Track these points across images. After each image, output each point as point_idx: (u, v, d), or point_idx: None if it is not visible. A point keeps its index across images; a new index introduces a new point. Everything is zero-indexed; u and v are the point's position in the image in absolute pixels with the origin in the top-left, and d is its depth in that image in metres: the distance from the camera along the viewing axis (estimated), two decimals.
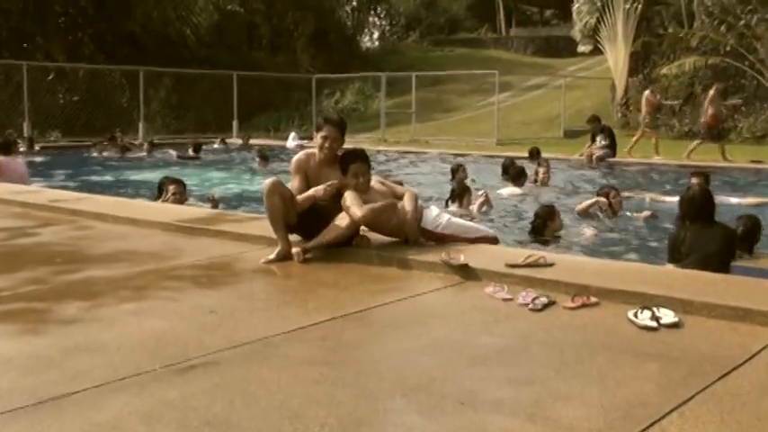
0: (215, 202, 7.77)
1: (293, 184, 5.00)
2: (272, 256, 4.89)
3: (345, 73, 26.07)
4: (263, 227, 5.16)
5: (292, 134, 19.72)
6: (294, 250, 4.86)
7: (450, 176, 11.06)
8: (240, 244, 5.46)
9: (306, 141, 19.60)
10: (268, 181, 4.94)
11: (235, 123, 22.38)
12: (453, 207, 7.92)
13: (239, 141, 19.79)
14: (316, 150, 5.08)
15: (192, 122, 23.97)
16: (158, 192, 7.81)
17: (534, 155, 13.20)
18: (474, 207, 8.11)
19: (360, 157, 4.99)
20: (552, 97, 23.63)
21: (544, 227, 6.70)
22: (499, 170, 11.26)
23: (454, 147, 18.71)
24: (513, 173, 9.86)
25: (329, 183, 4.88)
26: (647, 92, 16.01)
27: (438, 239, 5.03)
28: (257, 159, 13.74)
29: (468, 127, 22.26)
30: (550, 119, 22.29)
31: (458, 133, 21.43)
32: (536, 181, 10.61)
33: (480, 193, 8.44)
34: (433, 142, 20.68)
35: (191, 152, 15.83)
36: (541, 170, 10.70)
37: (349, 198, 4.86)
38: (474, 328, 3.56)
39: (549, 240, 6.58)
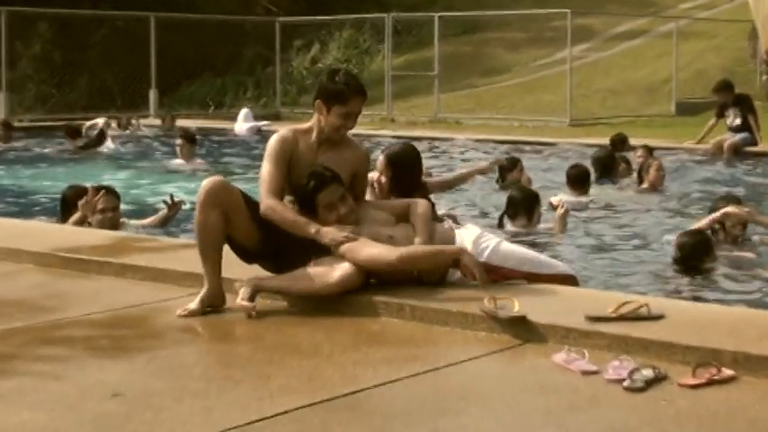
0: (174, 206, 7.83)
1: (268, 175, 5.02)
2: (192, 306, 4.90)
3: (328, 15, 26.22)
4: (198, 258, 5.16)
5: (244, 111, 19.80)
6: (240, 295, 4.87)
7: (496, 178, 11.09)
8: (161, 286, 5.47)
9: (266, 123, 19.67)
10: (207, 182, 4.97)
11: (152, 95, 22.49)
12: (515, 226, 7.89)
13: (158, 122, 19.89)
14: (313, 127, 5.14)
15: (85, 93, 24.06)
16: (63, 208, 7.84)
17: (618, 145, 13.25)
18: (554, 225, 8.06)
19: (325, 180, 5.00)
20: (657, 51, 23.69)
21: (699, 261, 6.67)
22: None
23: (501, 130, 18.77)
24: (574, 174, 9.94)
25: (347, 234, 4.86)
26: None
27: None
28: (179, 142, 13.76)
29: (523, 99, 22.32)
30: (655, 85, 22.33)
31: (507, 109, 21.48)
32: (640, 182, 10.64)
33: (556, 200, 8.43)
34: (467, 123, 20.73)
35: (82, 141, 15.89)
36: (654, 165, 10.75)
37: (358, 243, 4.84)
38: (536, 420, 3.54)
39: (706, 278, 6.53)
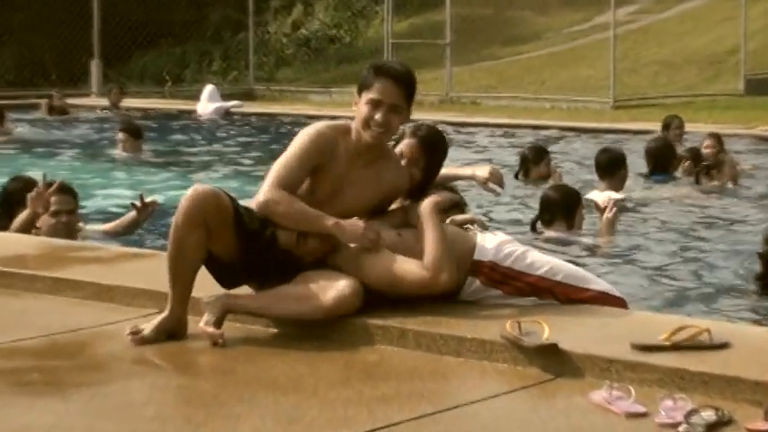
0: (145, 209, 7.80)
1: (286, 167, 4.97)
2: (146, 331, 4.86)
3: None
4: (154, 271, 5.15)
5: (209, 89, 19.81)
6: (205, 318, 4.85)
7: (515, 172, 11.13)
8: (106, 306, 5.46)
9: (237, 104, 19.67)
10: (194, 193, 4.86)
11: (95, 67, 22.49)
12: (551, 231, 7.92)
13: (103, 102, 19.87)
14: (351, 127, 5.12)
15: (12, 67, 24.04)
16: (6, 206, 7.74)
17: (670, 128, 13.28)
18: (601, 230, 8.06)
19: None
20: (722, 14, 23.67)
21: None
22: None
23: (529, 113, 18.76)
24: (605, 160, 9.97)
25: (373, 233, 4.91)
26: None
27: (502, 282, 5.08)
28: (120, 136, 13.81)
29: (556, 74, 22.32)
30: (719, 57, 22.31)
31: (536, 86, 21.47)
32: (701, 175, 10.67)
33: (602, 199, 8.44)
34: (486, 104, 20.72)
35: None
36: (726, 161, 10.76)
37: (378, 256, 4.91)
38: None
39: None
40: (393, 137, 5.44)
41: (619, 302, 5.26)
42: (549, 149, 11.71)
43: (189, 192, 4.90)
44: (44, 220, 7.32)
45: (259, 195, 4.97)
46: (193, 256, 4.89)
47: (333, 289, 4.83)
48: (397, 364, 4.60)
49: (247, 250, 4.97)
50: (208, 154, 14.97)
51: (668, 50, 22.98)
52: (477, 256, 5.08)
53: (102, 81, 22.18)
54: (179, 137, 16.78)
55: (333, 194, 5.06)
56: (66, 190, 7.53)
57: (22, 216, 7.33)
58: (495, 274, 5.09)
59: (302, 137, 5.08)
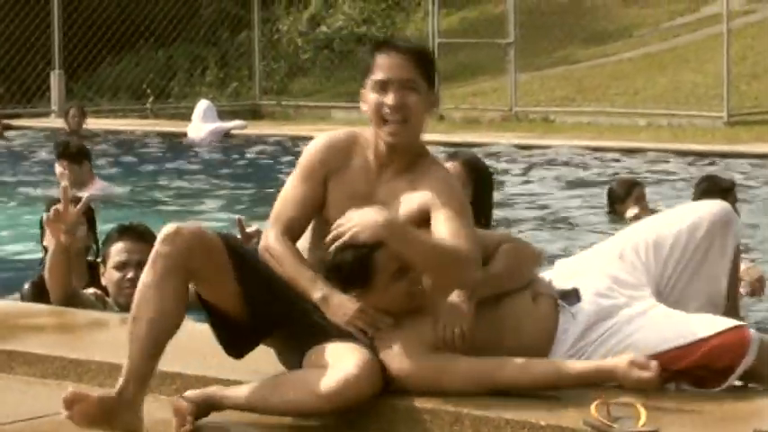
0: (247, 240, 7.48)
1: (284, 197, 5.01)
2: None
3: None
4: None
5: (203, 105, 19.88)
6: (183, 410, 4.79)
7: (606, 208, 11.19)
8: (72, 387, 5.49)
9: (239, 124, 19.72)
10: (168, 235, 4.83)
11: (56, 78, 22.61)
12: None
13: (60, 124, 19.98)
14: (370, 132, 5.11)
15: None
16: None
17: None
18: (744, 290, 8.14)
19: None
20: None
21: None
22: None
23: (617, 133, 18.74)
24: (697, 192, 9.96)
25: (377, 318, 4.82)
26: None
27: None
28: (58, 169, 13.84)
29: (652, 81, 22.29)
30: None
31: (627, 98, 21.45)
32: None
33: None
34: (562, 121, 20.72)
35: None
36: None
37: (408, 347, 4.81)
38: None
39: None
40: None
41: (739, 336, 4.93)
42: (645, 179, 11.64)
43: (163, 234, 4.84)
44: (109, 276, 7.05)
45: (261, 241, 4.99)
46: (170, 318, 4.84)
47: (334, 368, 4.75)
48: None
49: (253, 298, 4.94)
50: (202, 190, 15.01)
51: None
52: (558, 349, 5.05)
53: (65, 95, 22.27)
54: (164, 167, 16.83)
55: None
56: (137, 234, 7.14)
57: (50, 254, 6.71)
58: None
59: (306, 150, 5.13)
